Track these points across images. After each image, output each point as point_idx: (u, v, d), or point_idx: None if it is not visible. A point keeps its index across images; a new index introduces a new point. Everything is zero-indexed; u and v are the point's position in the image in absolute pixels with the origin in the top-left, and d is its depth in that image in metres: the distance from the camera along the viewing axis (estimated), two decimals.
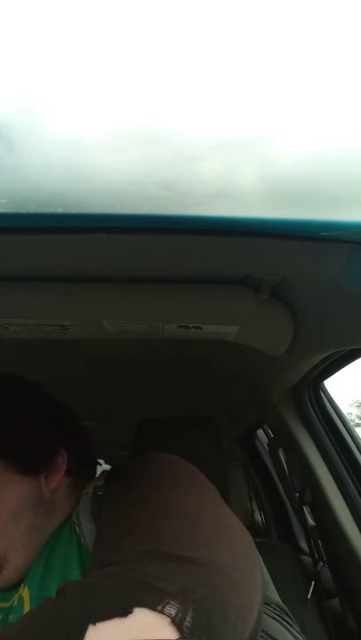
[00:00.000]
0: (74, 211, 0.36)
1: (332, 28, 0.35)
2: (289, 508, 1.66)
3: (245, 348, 0.75)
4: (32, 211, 0.35)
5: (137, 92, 0.35)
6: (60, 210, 0.35)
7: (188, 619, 0.30)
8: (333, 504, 0.99)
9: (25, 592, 0.49)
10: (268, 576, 0.58)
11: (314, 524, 1.17)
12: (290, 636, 0.48)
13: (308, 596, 1.09)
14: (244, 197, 0.37)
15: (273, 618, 0.49)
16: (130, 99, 0.35)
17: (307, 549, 1.37)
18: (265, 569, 0.58)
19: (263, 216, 0.38)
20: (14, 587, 0.53)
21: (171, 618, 0.30)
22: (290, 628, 0.49)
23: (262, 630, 0.45)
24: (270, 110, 0.36)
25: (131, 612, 0.30)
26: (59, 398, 0.71)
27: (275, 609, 0.52)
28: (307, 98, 0.35)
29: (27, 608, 0.47)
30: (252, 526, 2.02)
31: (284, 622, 0.50)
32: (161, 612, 0.30)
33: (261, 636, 0.44)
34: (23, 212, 0.35)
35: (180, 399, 1.55)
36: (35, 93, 0.35)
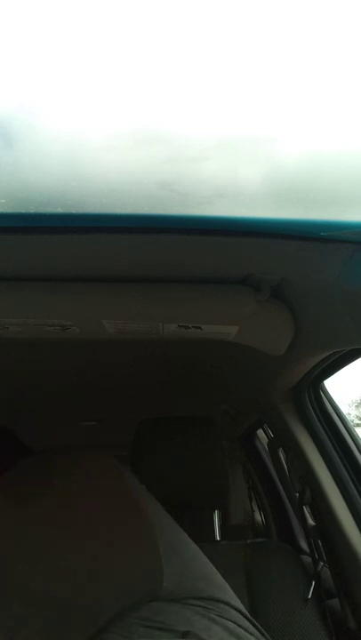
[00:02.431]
0: (74, 211, 0.36)
1: (333, 28, 0.35)
2: (289, 507, 1.66)
3: (245, 347, 0.75)
4: (32, 211, 0.35)
5: (137, 91, 0.35)
6: (60, 210, 0.35)
7: None
8: (333, 504, 0.99)
9: None
10: (204, 571, 0.53)
11: (314, 524, 1.17)
12: (214, 626, 0.45)
13: (309, 596, 1.08)
14: (244, 197, 0.37)
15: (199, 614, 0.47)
16: (130, 98, 0.35)
17: (307, 549, 1.37)
18: (207, 564, 0.53)
19: (263, 216, 0.38)
20: None
21: None
22: (213, 615, 0.47)
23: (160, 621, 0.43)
24: (271, 110, 0.36)
25: None
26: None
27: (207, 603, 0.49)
28: (307, 98, 0.35)
29: None
30: (252, 526, 2.02)
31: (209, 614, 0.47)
32: None
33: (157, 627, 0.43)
34: (23, 211, 0.35)
35: (180, 399, 1.55)
36: (34, 92, 0.35)
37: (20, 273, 0.56)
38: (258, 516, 1.98)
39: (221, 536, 1.25)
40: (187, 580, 0.49)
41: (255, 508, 2.00)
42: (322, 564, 1.13)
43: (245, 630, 0.44)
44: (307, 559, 1.26)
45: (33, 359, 1.03)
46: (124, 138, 0.36)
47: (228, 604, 0.48)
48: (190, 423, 0.89)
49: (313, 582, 1.10)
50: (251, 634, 0.44)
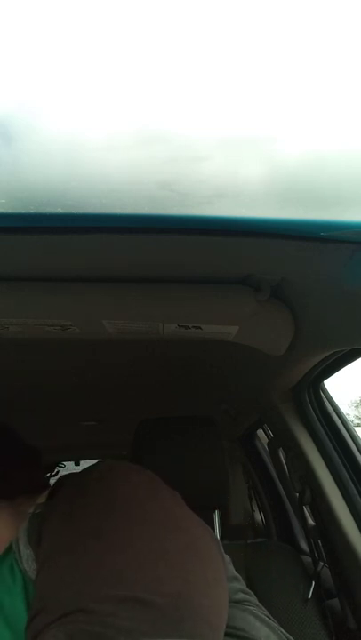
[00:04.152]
0: (74, 211, 0.36)
1: (333, 28, 0.35)
2: (289, 507, 1.66)
3: (245, 348, 0.75)
4: (32, 211, 0.35)
5: (137, 91, 0.35)
6: (60, 210, 0.35)
7: None
8: (333, 504, 0.99)
9: None
10: (232, 570, 0.57)
11: (314, 524, 1.17)
12: (257, 622, 0.47)
13: (309, 596, 1.09)
14: (244, 197, 0.37)
15: (237, 609, 0.49)
16: (130, 98, 0.35)
17: (307, 549, 1.37)
18: (229, 562, 0.56)
19: (263, 216, 0.38)
20: None
21: None
22: (252, 609, 0.49)
23: (229, 625, 0.44)
24: (271, 110, 0.36)
25: None
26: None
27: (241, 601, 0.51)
28: (307, 98, 0.35)
29: None
30: (252, 526, 2.02)
31: (248, 607, 0.49)
32: None
33: (228, 633, 0.44)
34: (23, 212, 0.35)
35: (180, 399, 1.55)
36: (34, 92, 0.35)
37: (20, 273, 0.56)
38: (258, 516, 1.98)
39: (222, 536, 1.25)
40: (229, 580, 0.51)
41: (255, 508, 2.00)
42: (322, 564, 1.13)
43: (282, 633, 0.48)
44: (307, 559, 1.26)
45: (33, 359, 1.03)
46: (124, 138, 0.36)
47: (259, 605, 0.50)
48: (190, 423, 0.89)
49: (313, 582, 1.10)
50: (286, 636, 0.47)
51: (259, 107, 0.35)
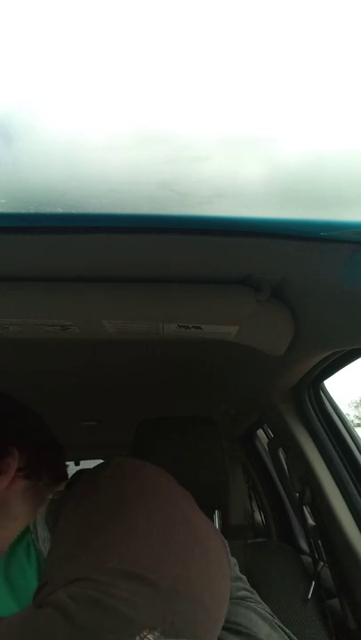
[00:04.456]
0: (74, 211, 0.36)
1: (333, 28, 0.35)
2: (289, 507, 1.66)
3: (245, 347, 0.75)
4: (32, 211, 0.35)
5: (137, 91, 0.35)
6: (60, 210, 0.35)
7: None
8: (333, 504, 0.99)
9: None
10: (237, 571, 0.58)
11: (314, 524, 1.17)
12: (259, 620, 0.48)
13: (309, 596, 1.08)
14: (244, 197, 0.37)
15: (240, 605, 0.50)
16: (130, 98, 0.35)
17: (307, 549, 1.37)
18: (235, 564, 0.58)
19: (263, 216, 0.38)
20: None
21: None
22: (255, 606, 0.50)
23: (230, 621, 0.45)
24: (271, 110, 0.36)
25: None
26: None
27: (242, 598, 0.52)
28: (308, 98, 0.35)
29: None
30: (252, 526, 2.02)
31: (251, 604, 0.50)
32: None
33: (228, 627, 0.45)
34: (23, 212, 0.35)
35: (180, 399, 1.55)
36: (34, 92, 0.35)
37: (20, 273, 0.56)
38: (258, 516, 1.98)
39: None
40: (233, 580, 0.52)
41: (255, 508, 2.00)
42: (322, 564, 1.13)
43: (282, 630, 0.49)
44: (307, 559, 1.26)
45: (33, 359, 1.03)
46: (124, 138, 0.36)
47: (261, 602, 0.51)
48: (190, 423, 0.89)
49: (313, 582, 1.10)
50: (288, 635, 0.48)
51: (259, 107, 0.35)
